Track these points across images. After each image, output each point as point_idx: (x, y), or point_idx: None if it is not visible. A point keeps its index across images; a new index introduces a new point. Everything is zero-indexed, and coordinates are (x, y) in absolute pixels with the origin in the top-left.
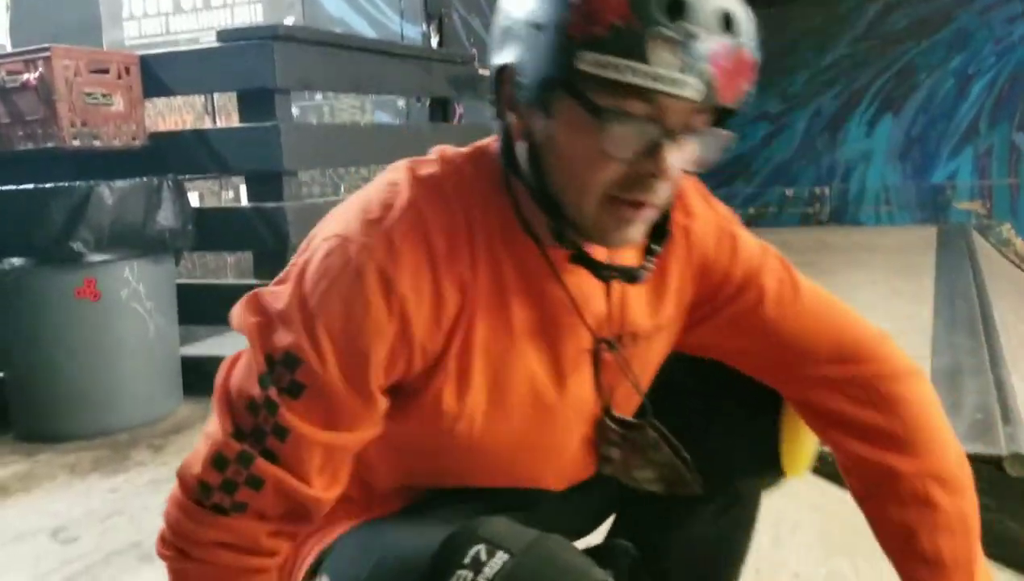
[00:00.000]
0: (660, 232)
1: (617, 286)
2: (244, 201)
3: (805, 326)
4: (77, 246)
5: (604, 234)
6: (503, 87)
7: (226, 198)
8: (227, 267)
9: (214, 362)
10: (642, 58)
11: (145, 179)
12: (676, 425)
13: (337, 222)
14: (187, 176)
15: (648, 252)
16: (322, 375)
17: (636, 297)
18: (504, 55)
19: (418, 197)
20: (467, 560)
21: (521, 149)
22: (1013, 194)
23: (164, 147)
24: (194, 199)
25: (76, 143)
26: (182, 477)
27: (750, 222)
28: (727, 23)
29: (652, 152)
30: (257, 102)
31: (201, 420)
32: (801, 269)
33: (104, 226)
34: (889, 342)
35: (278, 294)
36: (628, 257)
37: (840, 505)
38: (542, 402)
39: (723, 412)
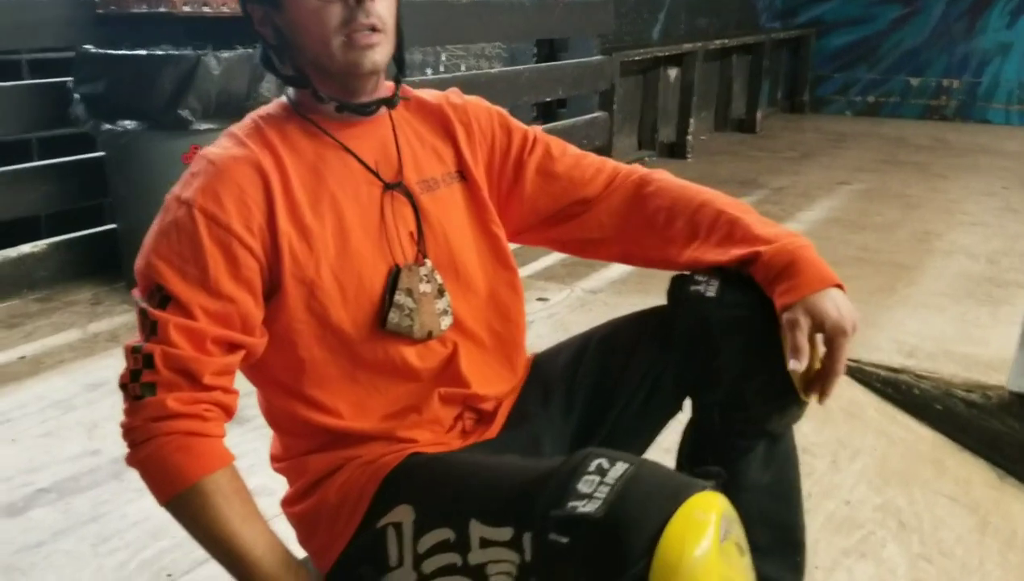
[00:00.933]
0: (399, 76)
1: (403, 140)
2: None
3: (585, 161)
4: (185, 113)
5: (356, 65)
6: (252, 14)
7: None
8: None
9: None
10: None
11: (250, 50)
12: (678, 380)
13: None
14: None
15: (396, 83)
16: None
17: (422, 150)
18: None
19: (233, 132)
20: (592, 468)
21: (275, 54)
22: None
23: None
24: None
25: (187, 9)
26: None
27: (867, 111)
28: None
29: None
30: None
31: None
32: (913, 169)
33: (211, 95)
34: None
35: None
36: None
37: (906, 433)
38: (350, 243)
39: (724, 365)
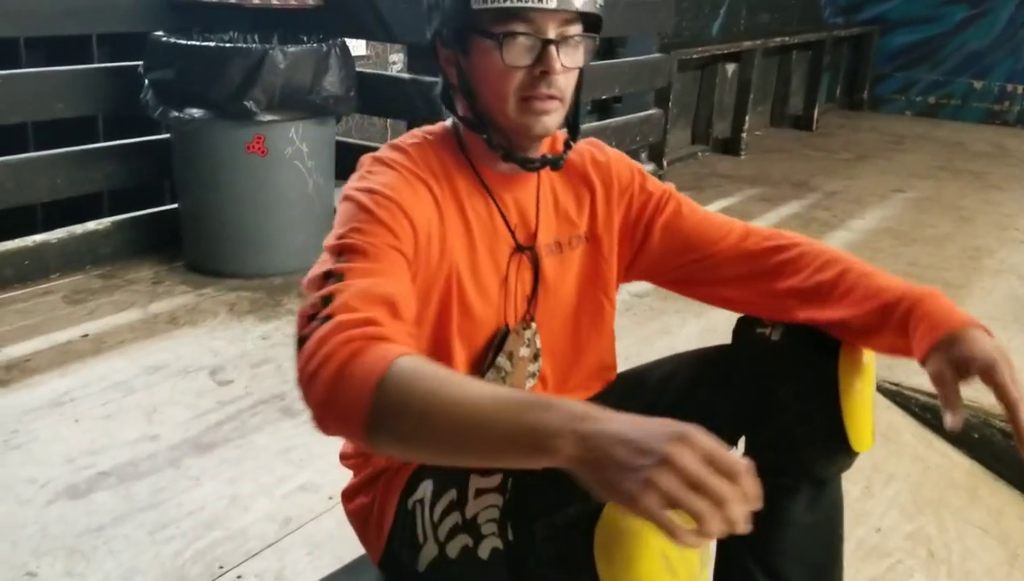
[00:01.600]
0: (570, 141)
1: (543, 201)
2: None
3: (712, 221)
4: (250, 105)
5: (527, 128)
6: (439, 51)
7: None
8: (387, 131)
9: None
10: None
11: (315, 45)
12: (732, 417)
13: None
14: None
15: (566, 146)
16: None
17: (557, 212)
18: (431, 26)
19: (402, 145)
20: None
21: (456, 94)
22: None
23: (335, 9)
24: (361, 48)
25: (256, 1)
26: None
27: (927, 112)
28: None
29: (540, 57)
30: None
31: None
32: (969, 178)
33: (275, 88)
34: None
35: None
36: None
37: (941, 459)
38: (473, 289)
39: (780, 406)
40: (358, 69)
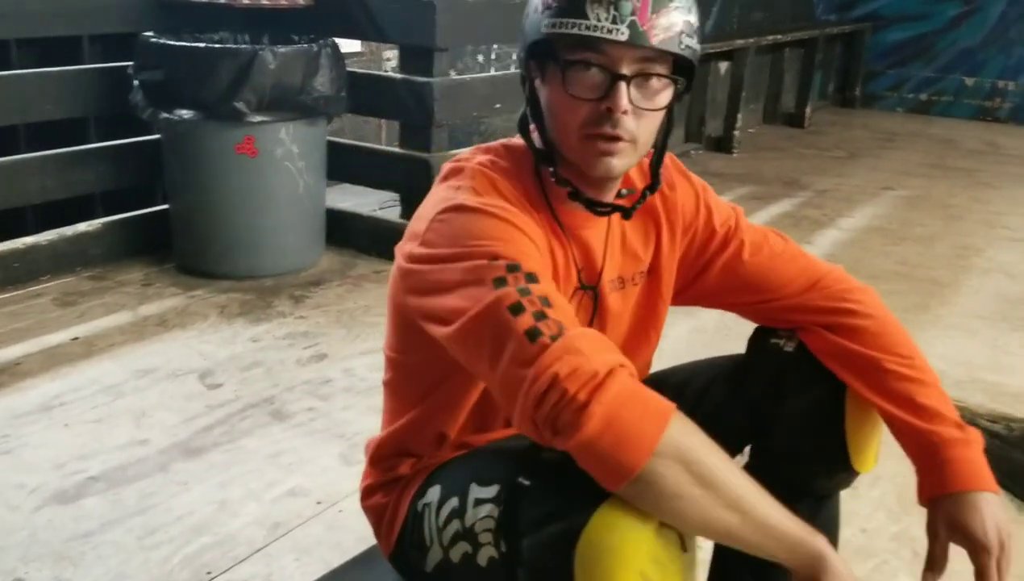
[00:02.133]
0: (652, 186)
1: (611, 240)
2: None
3: (777, 266)
4: (240, 106)
5: (588, 166)
6: (530, 74)
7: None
8: (381, 130)
9: (354, 218)
10: (583, 15)
11: (305, 45)
12: (741, 424)
13: (434, 205)
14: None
15: (641, 196)
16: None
17: (624, 250)
18: (519, 50)
19: (479, 170)
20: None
21: (532, 119)
22: None
23: (326, 9)
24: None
25: (246, 2)
26: (519, 365)
27: (919, 109)
28: None
29: (608, 92)
30: None
31: (339, 273)
32: (959, 175)
33: (265, 88)
34: (841, 269)
35: (444, 256)
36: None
37: None
38: None
39: (786, 416)
40: (350, 68)
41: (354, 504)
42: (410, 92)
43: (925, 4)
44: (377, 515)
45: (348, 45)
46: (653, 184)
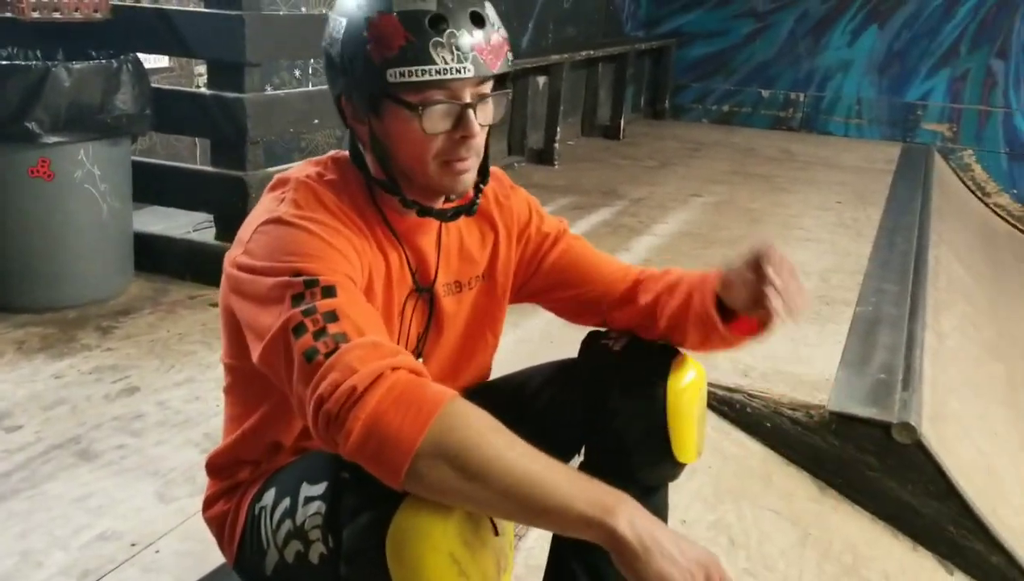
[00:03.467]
0: (480, 184)
1: (445, 242)
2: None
3: (600, 262)
4: (32, 126)
5: (446, 188)
6: (344, 108)
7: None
8: (196, 149)
9: (166, 241)
10: (430, 61)
11: (104, 61)
12: (573, 421)
13: (259, 215)
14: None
15: (476, 192)
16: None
17: (459, 253)
18: (337, 87)
19: (304, 182)
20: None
21: (366, 150)
22: (981, 120)
23: (126, 22)
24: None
25: (35, 15)
26: (301, 384)
27: (722, 120)
28: (477, 20)
29: (459, 122)
30: None
31: (151, 300)
32: (759, 181)
33: (60, 107)
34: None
35: (259, 268)
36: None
37: (739, 449)
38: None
39: (612, 412)
40: (157, 84)
41: (173, 543)
42: (221, 109)
43: (723, 21)
44: (219, 524)
45: (156, 61)
46: (484, 178)
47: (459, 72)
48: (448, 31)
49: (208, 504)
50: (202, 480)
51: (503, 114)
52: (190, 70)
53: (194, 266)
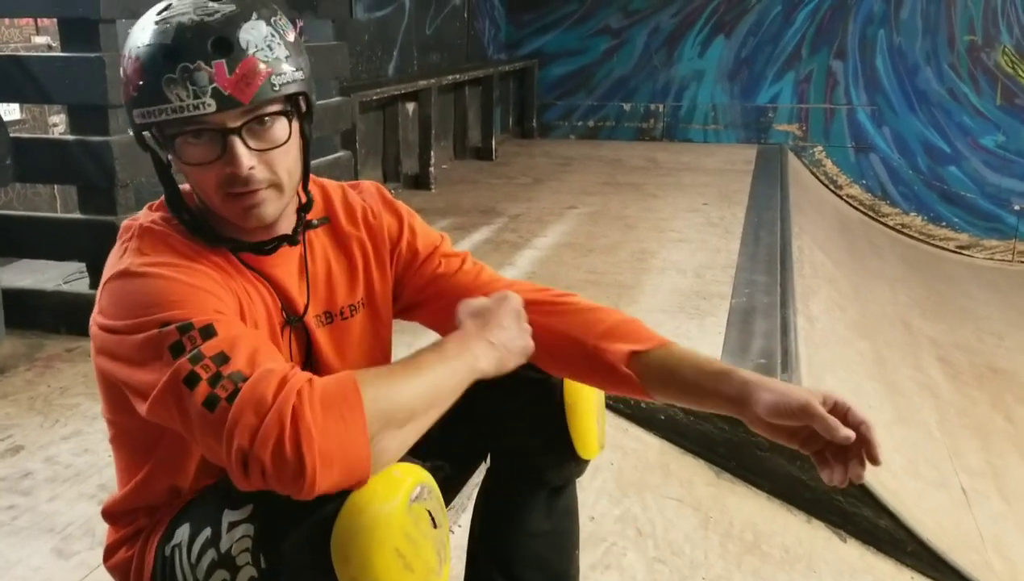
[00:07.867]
0: (308, 206)
1: (313, 270)
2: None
3: (479, 279)
4: None
5: (240, 220)
6: (147, 142)
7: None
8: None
9: (37, 295)
10: (165, 100)
11: None
12: (476, 430)
13: (106, 271)
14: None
15: (305, 225)
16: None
17: (328, 282)
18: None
19: (148, 228)
20: None
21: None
22: (827, 118)
23: None
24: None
25: None
26: (210, 437)
27: (589, 134)
28: (221, 48)
29: (224, 153)
30: (80, 31)
31: (25, 357)
32: (630, 190)
33: None
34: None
35: (121, 327)
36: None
37: (637, 444)
38: None
39: (512, 416)
40: (13, 135)
41: None
42: (87, 154)
43: (581, 39)
44: (123, 571)
45: (7, 113)
46: (306, 204)
47: (197, 108)
48: (181, 65)
49: (109, 553)
50: (101, 532)
51: (291, 136)
52: (43, 121)
53: (68, 318)
